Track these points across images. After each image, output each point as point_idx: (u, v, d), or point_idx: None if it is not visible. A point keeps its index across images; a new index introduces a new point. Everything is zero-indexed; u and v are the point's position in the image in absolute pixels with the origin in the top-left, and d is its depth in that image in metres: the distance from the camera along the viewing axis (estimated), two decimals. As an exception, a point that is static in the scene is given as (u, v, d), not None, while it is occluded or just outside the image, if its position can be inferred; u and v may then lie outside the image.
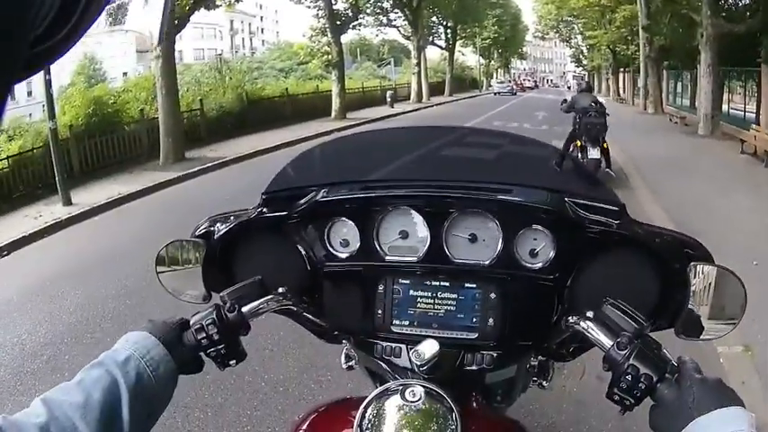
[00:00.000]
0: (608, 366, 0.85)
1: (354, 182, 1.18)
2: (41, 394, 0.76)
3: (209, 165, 11.87)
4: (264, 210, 1.15)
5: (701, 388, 0.75)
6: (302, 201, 1.13)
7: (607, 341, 0.87)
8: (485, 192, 1.11)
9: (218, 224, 1.17)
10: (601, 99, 10.24)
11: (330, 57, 21.25)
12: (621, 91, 41.58)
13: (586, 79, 23.51)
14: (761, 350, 3.58)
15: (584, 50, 53.30)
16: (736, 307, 0.97)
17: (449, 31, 42.34)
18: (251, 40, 68.27)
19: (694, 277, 0.97)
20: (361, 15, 24.55)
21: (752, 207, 7.67)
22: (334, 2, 21.76)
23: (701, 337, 1.00)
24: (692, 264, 0.97)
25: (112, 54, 39.35)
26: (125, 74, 30.86)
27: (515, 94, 46.77)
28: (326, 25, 21.41)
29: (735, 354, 3.60)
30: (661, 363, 0.81)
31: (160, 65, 12.64)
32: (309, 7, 22.45)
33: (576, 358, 1.16)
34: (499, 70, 70.74)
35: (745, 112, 16.41)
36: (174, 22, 12.97)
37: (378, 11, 31.43)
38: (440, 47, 42.86)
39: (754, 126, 13.40)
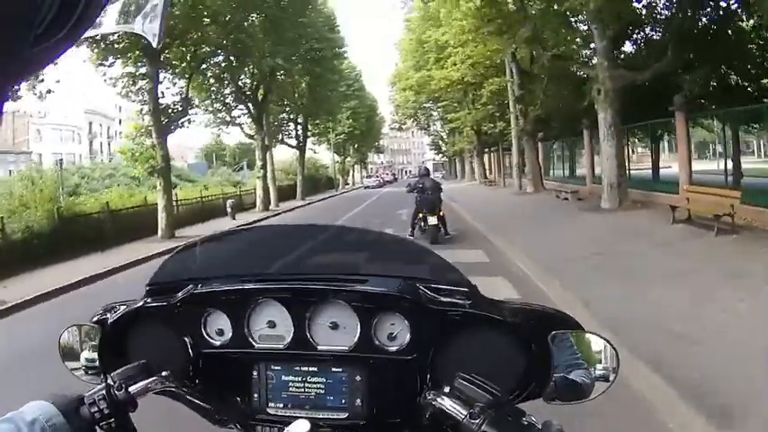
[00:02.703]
0: None
1: (227, 276, 1.31)
2: None
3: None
4: (149, 300, 1.29)
5: None
6: (180, 293, 1.25)
7: (462, 413, 0.94)
8: (342, 283, 1.22)
9: (112, 312, 1.30)
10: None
11: (154, 162, 17.82)
12: (488, 173, 41.86)
13: (446, 167, 27.86)
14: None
15: (444, 136, 54.48)
16: (608, 367, 1.07)
17: (299, 127, 40.71)
18: (109, 144, 67.11)
19: (559, 345, 1.06)
20: (193, 111, 21.51)
21: (746, 304, 5.45)
22: (161, 95, 18.59)
23: (575, 401, 1.07)
24: (554, 333, 1.07)
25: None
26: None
27: (382, 186, 57.74)
28: (151, 124, 18.09)
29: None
30: (519, 429, 0.87)
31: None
32: (134, 101, 19.25)
33: None
34: (356, 166, 70.95)
35: (654, 170, 15.27)
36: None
37: (219, 107, 28.69)
38: (290, 145, 40.97)
39: (685, 186, 11.84)
